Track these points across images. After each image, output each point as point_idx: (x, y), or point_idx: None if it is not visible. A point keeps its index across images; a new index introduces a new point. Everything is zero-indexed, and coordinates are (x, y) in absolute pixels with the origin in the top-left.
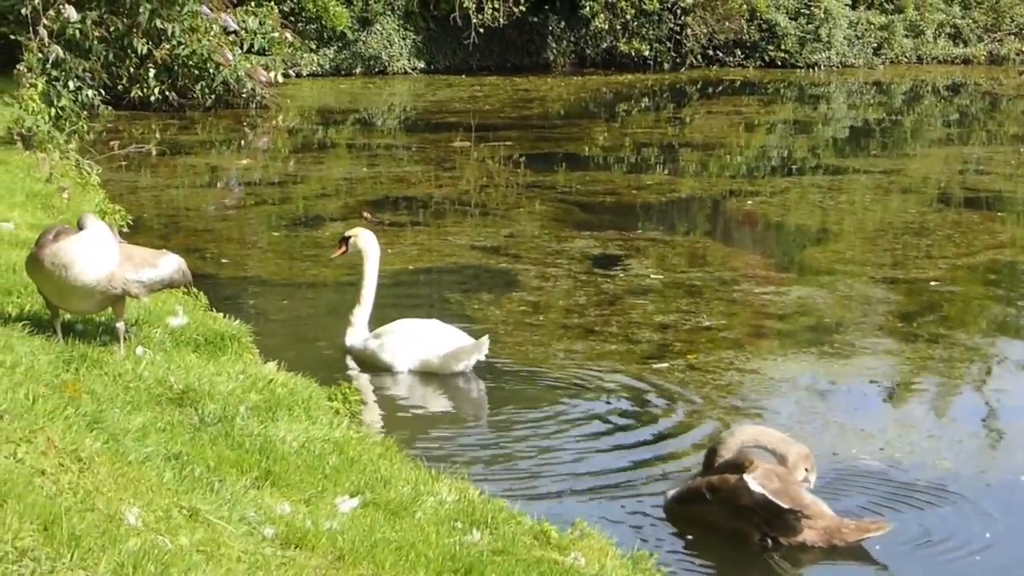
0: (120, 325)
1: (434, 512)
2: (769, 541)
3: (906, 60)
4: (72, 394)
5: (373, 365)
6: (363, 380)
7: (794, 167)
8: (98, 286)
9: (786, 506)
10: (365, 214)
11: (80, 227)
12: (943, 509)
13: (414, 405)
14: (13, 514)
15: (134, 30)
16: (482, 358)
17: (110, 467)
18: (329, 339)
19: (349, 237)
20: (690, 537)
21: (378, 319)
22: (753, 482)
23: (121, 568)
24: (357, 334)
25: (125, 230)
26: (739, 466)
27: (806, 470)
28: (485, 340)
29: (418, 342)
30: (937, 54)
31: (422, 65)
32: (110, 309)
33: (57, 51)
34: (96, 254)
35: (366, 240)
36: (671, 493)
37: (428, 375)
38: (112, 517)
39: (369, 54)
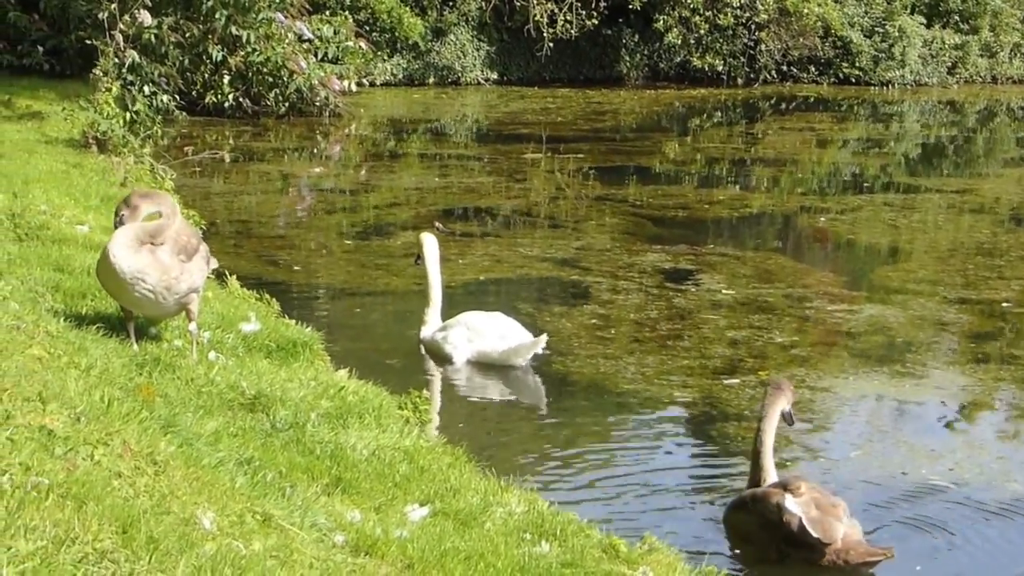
0: (193, 327)
1: (503, 523)
2: (782, 557)
3: (980, 80)
4: (146, 398)
5: (438, 356)
6: (431, 374)
7: (866, 185)
8: (160, 298)
9: (815, 535)
10: (437, 224)
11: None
12: (1010, 530)
13: (479, 405)
14: (93, 516)
15: (209, 36)
16: (540, 352)
17: (184, 471)
18: (399, 347)
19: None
20: (738, 551)
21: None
22: (794, 506)
23: (198, 572)
24: (430, 327)
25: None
26: (786, 487)
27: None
28: (543, 338)
29: (478, 336)
30: (1012, 74)
31: (495, 76)
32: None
33: (133, 56)
34: (146, 260)
35: (424, 243)
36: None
37: (488, 368)
38: (188, 521)
39: (442, 64)
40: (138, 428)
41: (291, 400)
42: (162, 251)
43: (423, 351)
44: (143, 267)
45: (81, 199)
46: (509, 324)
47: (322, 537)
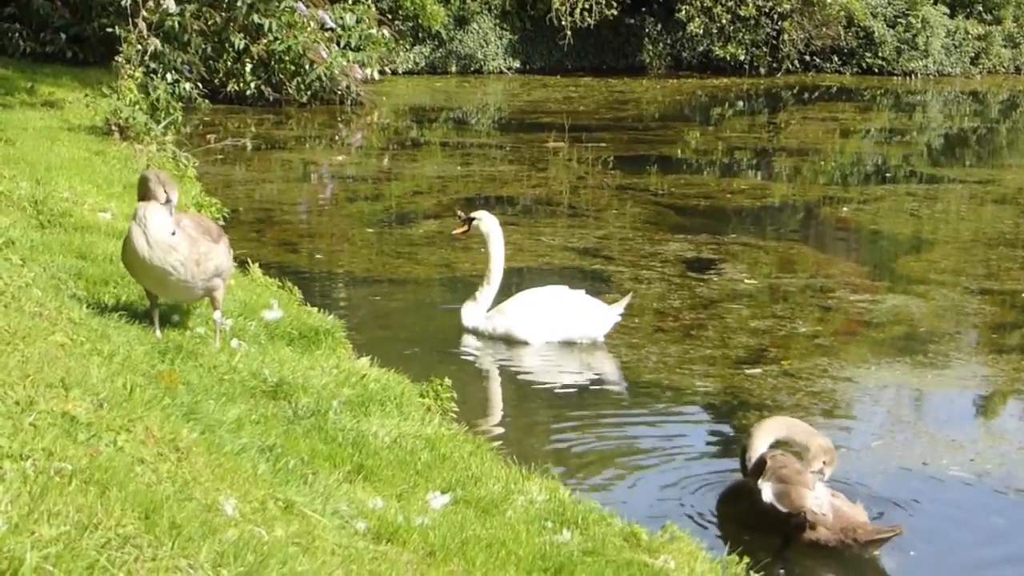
0: (217, 315)
1: (524, 511)
2: (785, 540)
3: (1004, 70)
4: (168, 384)
5: (504, 340)
6: (457, 358)
7: (888, 175)
8: (189, 275)
9: (784, 511)
10: (459, 212)
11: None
12: None
13: (499, 392)
14: (116, 501)
15: (231, 24)
16: (618, 319)
17: (207, 457)
18: (421, 335)
19: (473, 219)
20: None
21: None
22: (765, 489)
23: (221, 558)
24: (478, 313)
25: (221, 223)
26: (760, 467)
27: (824, 463)
28: (624, 301)
29: (551, 312)
30: None
31: (517, 65)
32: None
33: (155, 43)
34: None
35: (489, 224)
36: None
37: (511, 353)
38: (210, 507)
39: (465, 53)
40: (161, 415)
41: (313, 387)
42: (188, 228)
43: (469, 335)
44: (169, 239)
45: (104, 186)
46: (579, 297)
47: (344, 524)
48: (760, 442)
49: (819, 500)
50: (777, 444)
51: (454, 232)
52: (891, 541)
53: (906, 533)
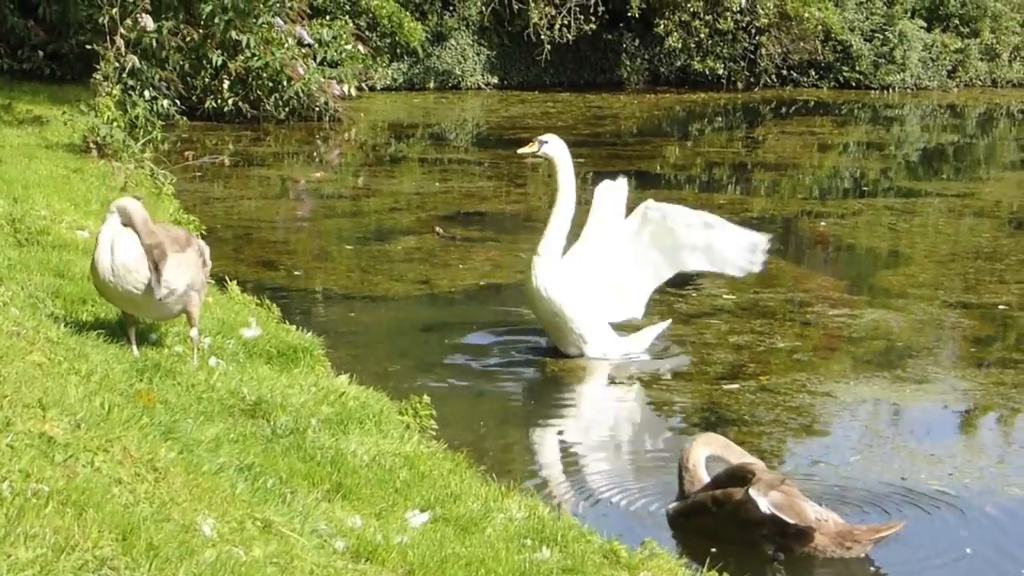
0: (194, 333)
1: (504, 529)
2: (781, 553)
3: (981, 83)
4: (146, 404)
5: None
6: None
7: (867, 189)
8: (165, 295)
9: (792, 521)
10: (437, 229)
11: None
12: (1010, 536)
13: (477, 409)
14: (92, 523)
15: (209, 41)
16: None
17: (185, 477)
18: (400, 352)
19: (545, 142)
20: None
21: (454, 332)
22: (762, 500)
23: None
24: (550, 266)
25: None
26: (741, 478)
27: None
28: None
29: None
30: (1012, 78)
31: (495, 80)
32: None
33: (133, 60)
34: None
35: (557, 148)
36: (672, 506)
37: (487, 369)
38: (188, 527)
39: (443, 69)
40: (138, 434)
41: (292, 406)
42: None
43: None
44: (129, 260)
45: (82, 204)
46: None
47: (322, 543)
48: (699, 455)
49: (818, 509)
50: (710, 460)
51: (520, 151)
52: (874, 548)
53: (904, 527)
